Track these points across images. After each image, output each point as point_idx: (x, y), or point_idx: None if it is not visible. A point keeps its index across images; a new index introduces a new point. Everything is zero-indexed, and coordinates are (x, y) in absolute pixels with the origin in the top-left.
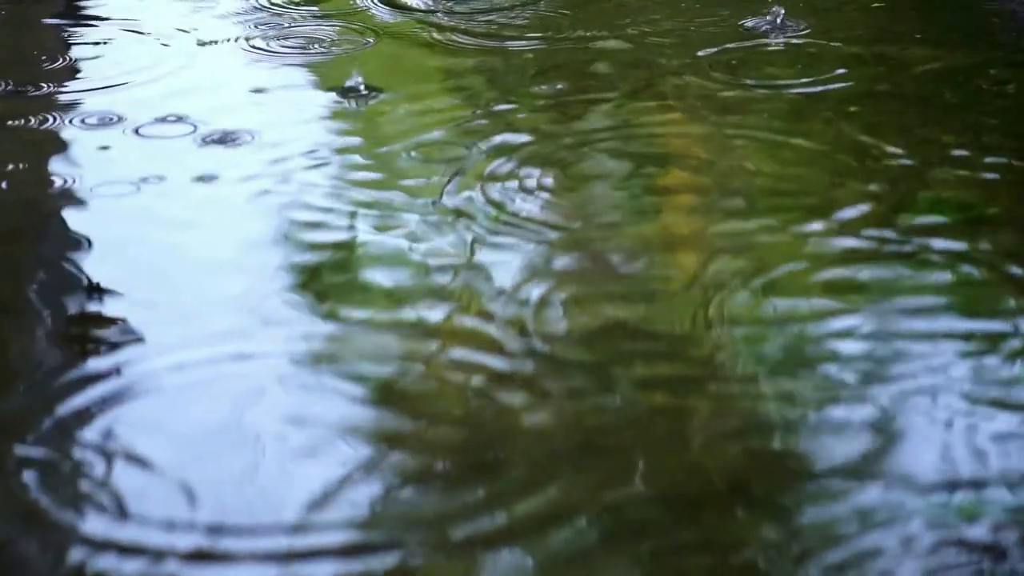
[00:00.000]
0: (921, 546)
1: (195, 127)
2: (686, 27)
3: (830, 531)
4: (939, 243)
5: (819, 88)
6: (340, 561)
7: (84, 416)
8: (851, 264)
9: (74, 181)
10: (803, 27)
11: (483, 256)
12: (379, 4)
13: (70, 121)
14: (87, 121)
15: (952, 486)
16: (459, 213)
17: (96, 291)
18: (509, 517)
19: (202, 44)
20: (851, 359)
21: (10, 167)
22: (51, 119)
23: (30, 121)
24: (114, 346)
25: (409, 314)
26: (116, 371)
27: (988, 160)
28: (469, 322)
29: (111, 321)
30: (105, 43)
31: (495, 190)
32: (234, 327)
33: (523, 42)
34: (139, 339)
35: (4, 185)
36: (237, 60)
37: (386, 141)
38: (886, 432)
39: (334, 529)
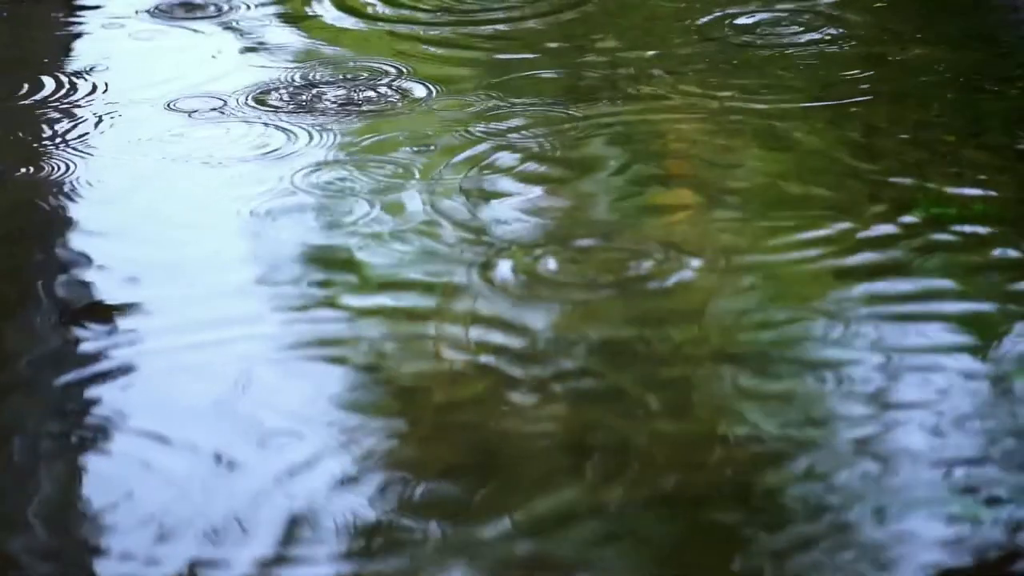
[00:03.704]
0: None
1: (208, 120)
2: (686, 26)
3: (830, 528)
4: (941, 243)
5: (819, 88)
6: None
7: (86, 397)
8: (853, 264)
9: (73, 178)
10: (804, 27)
11: (476, 257)
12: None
13: (72, 121)
14: (88, 122)
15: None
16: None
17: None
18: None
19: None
20: (853, 360)
21: (14, 169)
22: (54, 120)
23: (34, 122)
24: (115, 331)
25: (408, 302)
26: (118, 354)
27: (990, 160)
28: (464, 322)
29: (114, 307)
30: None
31: (490, 192)
32: (238, 313)
33: (520, 52)
34: (141, 323)
35: (10, 185)
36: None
37: (398, 138)
38: (892, 430)
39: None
